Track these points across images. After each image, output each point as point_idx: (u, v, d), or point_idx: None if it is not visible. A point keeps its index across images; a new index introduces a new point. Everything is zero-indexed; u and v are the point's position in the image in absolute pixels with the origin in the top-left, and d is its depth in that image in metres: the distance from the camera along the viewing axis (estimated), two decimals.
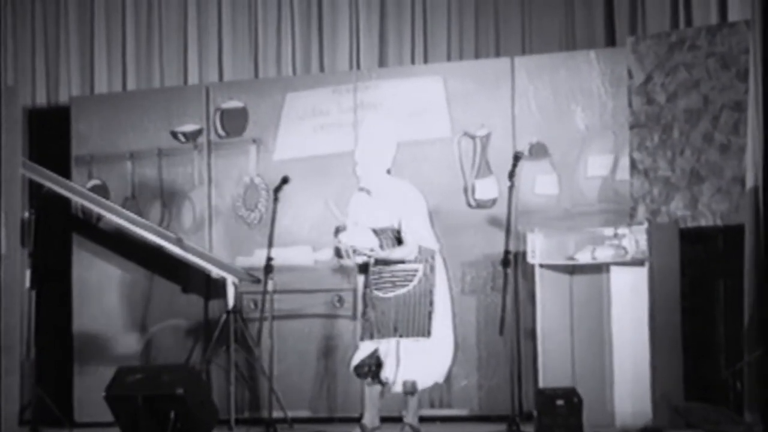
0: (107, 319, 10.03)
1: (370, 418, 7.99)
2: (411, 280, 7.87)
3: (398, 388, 7.88)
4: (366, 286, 8.03)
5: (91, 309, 10.06)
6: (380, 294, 7.91)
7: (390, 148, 8.05)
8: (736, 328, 8.08)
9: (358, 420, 9.34)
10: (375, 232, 7.93)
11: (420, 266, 7.89)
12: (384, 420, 8.10)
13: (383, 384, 7.90)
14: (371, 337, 7.88)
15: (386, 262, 7.88)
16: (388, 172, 8.05)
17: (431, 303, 7.85)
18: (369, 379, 7.93)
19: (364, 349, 7.93)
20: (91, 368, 9.89)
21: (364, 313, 7.98)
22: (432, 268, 7.89)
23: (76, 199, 9.96)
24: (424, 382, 7.91)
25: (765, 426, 7.45)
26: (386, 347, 7.84)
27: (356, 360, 7.97)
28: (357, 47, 10.31)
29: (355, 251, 7.88)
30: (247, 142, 9.91)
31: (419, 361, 7.83)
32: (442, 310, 7.89)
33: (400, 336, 7.78)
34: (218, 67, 10.61)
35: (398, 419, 8.06)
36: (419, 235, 7.86)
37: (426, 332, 7.80)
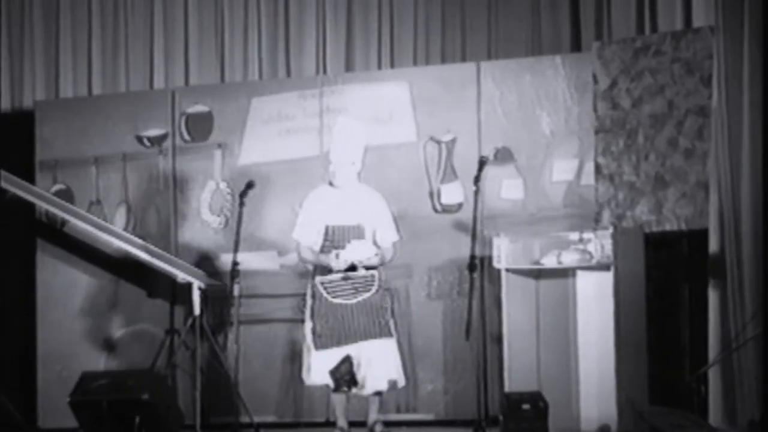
0: (72, 324, 9.98)
1: (345, 421, 8.16)
2: (372, 285, 8.08)
3: (380, 386, 8.00)
4: (313, 296, 8.12)
5: (56, 314, 10.01)
6: (342, 301, 8.03)
7: (362, 148, 8.29)
8: (701, 332, 8.11)
9: (324, 424, 9.34)
10: (344, 229, 8.09)
11: (376, 272, 8.12)
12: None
13: (391, 389, 8.08)
14: (337, 344, 7.94)
15: (347, 271, 8.04)
16: (359, 174, 8.23)
17: (391, 305, 8.12)
18: (348, 389, 8.05)
19: (327, 358, 8.00)
20: (55, 373, 9.84)
21: (320, 324, 8.04)
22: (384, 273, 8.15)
23: (40, 204, 9.90)
24: (401, 380, 8.11)
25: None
26: (356, 352, 7.94)
27: (321, 372, 8.01)
28: (323, 52, 10.30)
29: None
30: (212, 147, 9.89)
31: (392, 361, 8.02)
32: (393, 312, 8.19)
33: (369, 338, 7.95)
34: (184, 72, 10.58)
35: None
36: (391, 234, 8.21)
37: (388, 332, 8.04)
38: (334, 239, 8.16)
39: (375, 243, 8.17)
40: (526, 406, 7.84)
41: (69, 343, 9.95)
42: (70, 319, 9.99)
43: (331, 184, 8.29)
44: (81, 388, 8.20)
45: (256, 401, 9.37)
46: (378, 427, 8.12)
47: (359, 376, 8.00)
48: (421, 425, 9.11)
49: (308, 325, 8.13)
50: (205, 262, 9.77)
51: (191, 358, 9.38)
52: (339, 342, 7.97)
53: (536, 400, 7.88)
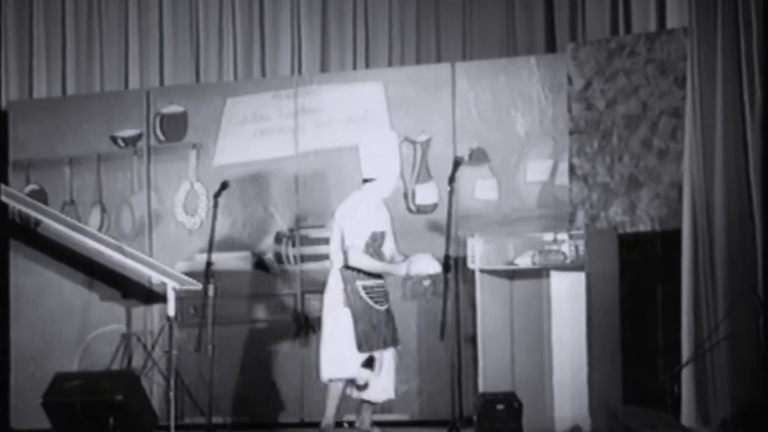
0: (45, 325, 9.94)
1: (336, 416, 8.19)
2: (388, 294, 8.21)
3: (390, 395, 8.10)
4: (358, 298, 8.07)
5: (29, 315, 9.98)
6: (378, 307, 8.09)
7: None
8: (674, 332, 8.13)
9: (298, 425, 9.34)
10: (383, 234, 8.16)
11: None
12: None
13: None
14: (371, 348, 8.02)
15: (381, 277, 8.14)
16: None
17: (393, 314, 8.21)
18: (360, 387, 8.10)
19: (357, 359, 8.01)
20: (28, 374, 9.80)
21: (369, 326, 8.04)
22: None
23: (13, 204, 9.87)
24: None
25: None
26: (380, 357, 8.05)
27: (353, 368, 8.02)
28: (298, 52, 10.30)
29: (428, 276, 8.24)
30: (187, 147, 9.87)
31: (393, 371, 8.15)
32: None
33: (387, 345, 8.07)
34: (159, 72, 10.56)
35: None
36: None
37: (398, 341, 8.19)
38: (374, 245, 8.14)
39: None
40: (500, 407, 7.85)
41: (42, 344, 9.91)
42: (44, 319, 9.95)
43: (382, 196, 8.18)
44: (54, 389, 8.18)
45: (230, 402, 9.37)
46: (376, 430, 8.21)
47: (372, 381, 8.08)
48: (395, 425, 9.10)
49: (346, 324, 8.06)
50: (179, 262, 9.74)
51: (165, 359, 9.36)
52: (373, 346, 8.03)
53: (510, 400, 7.89)
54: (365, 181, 8.13)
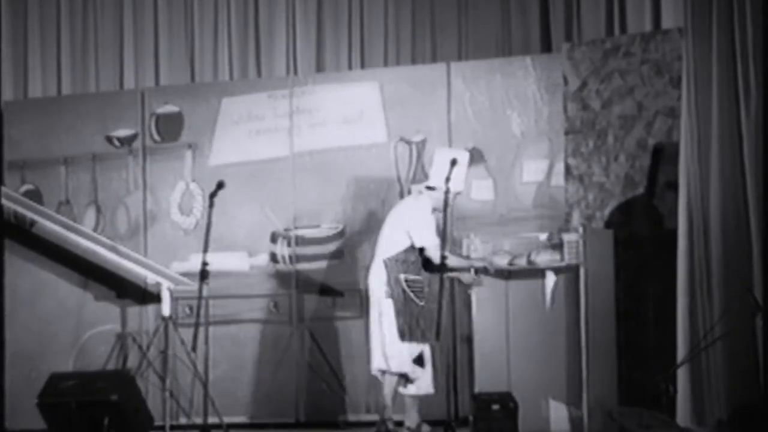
0: (40, 325, 9.93)
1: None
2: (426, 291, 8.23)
3: (419, 391, 8.15)
4: (402, 291, 8.18)
5: (24, 315, 9.97)
6: (418, 301, 8.17)
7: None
8: (670, 332, 8.13)
9: (293, 425, 9.34)
10: None
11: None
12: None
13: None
14: (416, 340, 8.11)
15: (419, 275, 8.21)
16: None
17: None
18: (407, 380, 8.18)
19: (409, 350, 8.10)
20: (23, 374, 9.79)
21: (400, 318, 8.12)
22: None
23: (8, 205, 9.86)
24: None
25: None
26: (428, 353, 8.15)
27: (407, 363, 8.09)
28: (294, 52, 10.30)
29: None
30: (182, 147, 9.87)
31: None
32: None
33: (427, 342, 8.14)
34: (154, 72, 10.56)
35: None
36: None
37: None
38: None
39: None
40: (496, 407, 7.85)
41: (37, 344, 9.90)
42: (39, 320, 9.94)
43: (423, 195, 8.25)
44: (49, 389, 8.16)
45: (226, 402, 9.36)
46: (425, 428, 8.23)
47: (427, 378, 8.16)
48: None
49: (392, 316, 8.15)
50: (174, 262, 9.74)
51: (161, 359, 9.35)
52: (414, 338, 8.09)
53: (506, 400, 7.89)
54: (429, 188, 8.20)
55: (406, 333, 8.07)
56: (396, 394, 8.17)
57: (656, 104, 8.72)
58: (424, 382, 8.17)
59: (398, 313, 8.11)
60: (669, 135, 8.60)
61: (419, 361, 8.12)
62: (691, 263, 7.98)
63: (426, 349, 8.15)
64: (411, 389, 8.18)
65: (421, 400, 8.23)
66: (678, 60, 8.45)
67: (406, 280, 8.15)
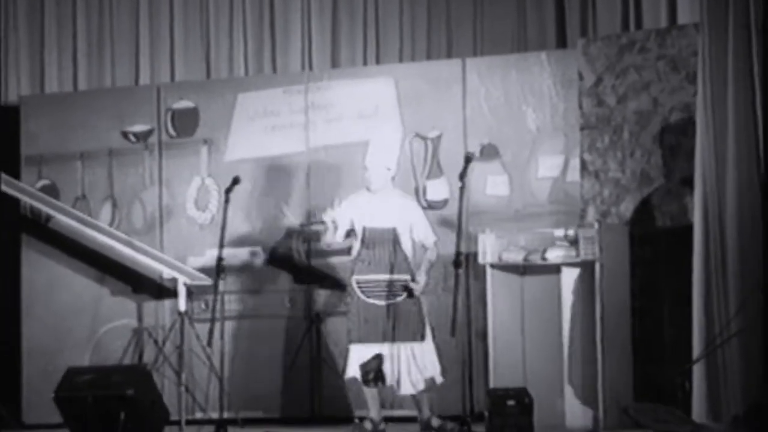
0: (57, 320, 9.96)
1: (376, 413, 8.25)
2: (403, 291, 8.17)
3: (408, 390, 8.13)
4: (350, 294, 8.26)
5: (41, 309, 10.00)
6: (377, 302, 8.15)
7: (395, 154, 8.51)
8: (685, 328, 8.12)
9: (308, 420, 9.36)
10: (375, 230, 8.21)
11: (407, 277, 8.18)
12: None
13: (384, 386, 8.17)
14: (369, 341, 8.12)
15: (379, 275, 8.17)
16: (393, 179, 8.37)
17: (421, 310, 8.19)
18: (375, 384, 8.19)
19: (359, 353, 8.15)
20: (40, 369, 9.82)
21: (356, 319, 8.18)
22: (417, 283, 8.22)
23: (25, 199, 9.89)
24: (438, 378, 8.21)
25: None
26: (389, 352, 8.11)
27: (355, 366, 8.15)
28: (309, 48, 10.30)
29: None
30: (198, 143, 9.89)
31: (429, 361, 8.16)
32: (426, 316, 8.26)
33: (403, 340, 8.10)
34: (170, 67, 10.58)
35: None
36: (431, 236, 8.34)
37: (420, 337, 8.15)
38: (369, 241, 8.20)
39: (415, 244, 8.30)
40: (511, 402, 7.85)
41: (54, 339, 9.93)
42: (55, 314, 9.97)
43: (367, 189, 8.33)
44: (66, 383, 8.18)
45: (241, 397, 9.38)
46: (434, 422, 8.22)
47: (390, 376, 8.12)
48: (406, 421, 9.11)
49: (348, 322, 8.26)
50: (190, 258, 9.76)
51: (176, 354, 9.38)
52: (371, 339, 8.12)
53: (521, 396, 7.89)
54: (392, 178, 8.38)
55: (354, 336, 8.19)
56: (375, 397, 8.22)
57: (672, 100, 8.71)
58: (405, 383, 8.17)
59: (348, 314, 8.28)
60: (684, 131, 8.59)
61: (375, 361, 8.11)
62: (706, 259, 7.97)
63: (400, 348, 8.11)
64: (401, 389, 8.20)
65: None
66: (694, 56, 8.44)
67: (357, 282, 8.23)
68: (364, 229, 8.25)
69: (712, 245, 7.98)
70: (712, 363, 7.88)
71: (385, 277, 8.16)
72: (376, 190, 8.27)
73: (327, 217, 8.30)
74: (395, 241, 8.21)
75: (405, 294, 8.16)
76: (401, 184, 9.30)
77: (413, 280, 8.17)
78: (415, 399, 8.22)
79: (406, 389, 8.15)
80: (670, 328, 8.50)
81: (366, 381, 8.19)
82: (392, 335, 8.10)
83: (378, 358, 8.12)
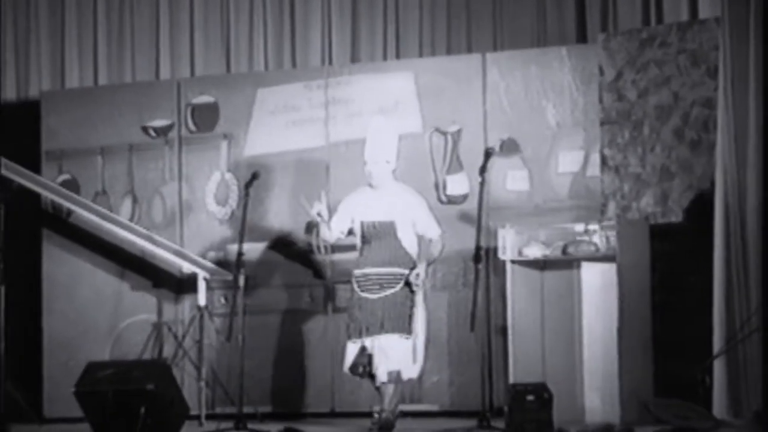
0: (77, 314, 9.99)
1: (391, 412, 8.17)
2: (398, 283, 8.12)
3: (383, 378, 8.07)
4: (352, 289, 8.28)
5: (61, 304, 10.03)
6: (368, 296, 8.15)
7: (395, 147, 8.35)
8: (706, 323, 8.10)
9: (328, 414, 9.37)
10: (373, 225, 8.18)
11: (406, 271, 8.13)
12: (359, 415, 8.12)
13: (391, 381, 8.12)
14: (359, 335, 8.14)
15: (374, 268, 8.15)
16: (394, 172, 8.32)
17: (412, 305, 8.13)
18: (365, 378, 8.21)
19: (352, 349, 8.18)
20: (60, 363, 9.86)
21: (350, 315, 8.25)
22: (417, 275, 8.14)
23: (46, 194, 9.92)
24: (409, 372, 8.13)
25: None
26: (371, 344, 8.09)
27: (348, 362, 8.20)
28: (329, 42, 10.31)
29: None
30: (218, 138, 9.90)
31: (402, 355, 8.07)
32: (419, 311, 8.16)
33: (386, 332, 8.05)
34: (190, 62, 10.59)
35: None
36: (435, 228, 8.25)
37: (407, 331, 8.08)
38: (367, 236, 8.21)
39: (419, 237, 8.24)
40: (530, 397, 7.83)
41: (74, 333, 9.97)
42: (76, 309, 10.00)
43: (369, 185, 8.30)
44: (86, 378, 8.20)
45: (261, 391, 9.39)
46: (383, 414, 8.14)
47: (373, 368, 8.11)
48: (425, 416, 9.12)
49: (347, 317, 8.33)
50: (210, 252, 9.77)
51: (196, 349, 9.39)
52: (361, 333, 8.14)
53: (541, 391, 7.87)
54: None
55: (350, 331, 8.24)
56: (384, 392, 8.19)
57: (692, 95, 8.68)
58: (378, 373, 8.14)
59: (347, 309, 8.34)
60: (705, 126, 8.56)
61: (362, 356, 8.12)
62: (727, 254, 7.95)
63: (381, 340, 8.09)
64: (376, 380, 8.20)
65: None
66: (715, 50, 8.41)
67: (355, 276, 8.27)
68: (361, 224, 8.25)
69: (732, 240, 7.96)
70: (732, 359, 7.86)
71: (381, 270, 8.16)
72: (378, 185, 8.24)
73: (313, 210, 8.29)
74: (394, 235, 8.17)
75: (401, 286, 8.12)
76: (422, 179, 9.32)
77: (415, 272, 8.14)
78: (379, 391, 8.18)
79: (378, 379, 8.12)
80: (690, 324, 8.48)
81: (355, 375, 8.22)
82: (377, 327, 8.08)
83: (363, 353, 8.14)
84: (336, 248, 9.53)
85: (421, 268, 8.14)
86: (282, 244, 9.68)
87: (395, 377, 8.07)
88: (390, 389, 8.15)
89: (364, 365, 8.13)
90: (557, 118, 9.20)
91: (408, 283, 8.14)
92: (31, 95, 10.73)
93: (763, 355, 7.77)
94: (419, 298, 8.19)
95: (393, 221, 8.17)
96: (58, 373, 9.80)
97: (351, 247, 9.30)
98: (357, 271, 8.26)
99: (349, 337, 8.21)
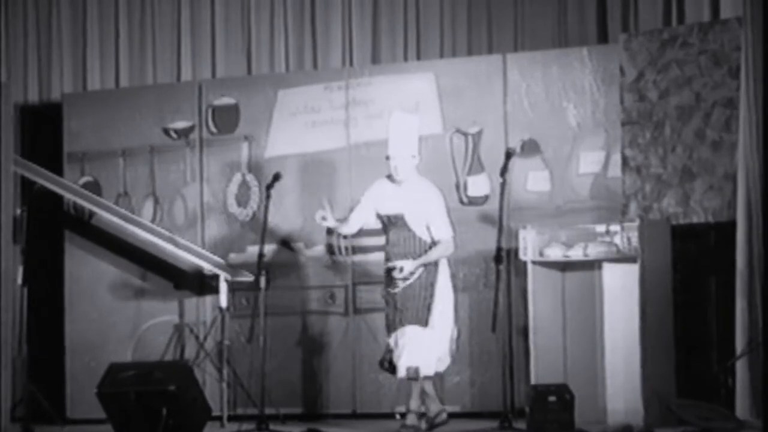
0: (99, 316, 10.02)
1: (414, 404, 8.14)
2: (413, 274, 8.06)
3: (401, 373, 8.04)
4: (384, 286, 8.24)
5: (84, 305, 10.06)
6: (392, 290, 8.12)
7: (417, 139, 8.27)
8: (728, 324, 8.08)
9: (349, 416, 9.37)
10: (389, 218, 8.16)
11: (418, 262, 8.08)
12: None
13: (410, 378, 8.08)
14: (388, 331, 8.14)
15: (394, 262, 8.09)
16: (417, 167, 8.24)
17: (431, 296, 8.05)
18: (391, 372, 8.15)
19: (387, 345, 8.18)
20: (83, 364, 9.89)
21: (384, 311, 8.22)
22: (435, 264, 8.08)
23: (68, 196, 9.95)
24: (425, 369, 8.03)
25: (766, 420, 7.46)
26: (394, 339, 8.06)
27: (381, 357, 8.22)
28: (350, 44, 10.31)
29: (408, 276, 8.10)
30: (239, 139, 9.91)
31: (420, 349, 8.00)
32: (441, 303, 8.07)
33: (403, 325, 8.01)
34: (211, 64, 10.60)
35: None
36: (445, 231, 8.13)
37: (424, 322, 8.01)
38: (387, 229, 8.22)
39: (432, 238, 8.13)
40: (552, 398, 7.84)
41: (97, 335, 9.99)
42: (98, 310, 10.03)
43: (389, 177, 8.25)
44: (109, 379, 8.24)
45: (283, 392, 9.40)
46: (409, 419, 8.13)
47: (394, 362, 8.09)
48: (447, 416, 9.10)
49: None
50: (231, 254, 9.78)
51: (218, 350, 9.41)
52: (389, 329, 8.14)
53: (562, 392, 7.87)
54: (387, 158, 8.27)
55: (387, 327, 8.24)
56: (416, 390, 8.15)
57: (714, 95, 8.66)
58: (399, 367, 8.11)
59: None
60: (727, 126, 8.54)
61: (387, 352, 8.12)
62: (750, 255, 7.93)
63: (403, 332, 8.05)
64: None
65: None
66: (737, 50, 8.39)
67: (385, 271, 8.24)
68: (377, 216, 8.25)
69: (755, 240, 7.94)
70: (755, 359, 7.84)
71: (395, 264, 8.12)
72: (402, 179, 8.18)
73: (318, 215, 8.26)
74: (407, 227, 8.11)
75: (416, 277, 8.05)
76: (443, 180, 9.31)
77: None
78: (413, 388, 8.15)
79: (398, 374, 8.08)
80: (713, 324, 8.46)
81: (382, 370, 8.22)
82: (399, 321, 8.05)
83: (387, 348, 8.14)
84: (357, 250, 9.54)
85: (408, 263, 8.03)
86: (303, 246, 9.68)
87: (413, 373, 8.01)
88: (418, 387, 8.08)
89: (389, 360, 8.12)
90: (578, 119, 9.19)
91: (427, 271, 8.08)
92: (53, 98, 10.76)
93: None
94: (442, 291, 8.09)
95: (403, 213, 8.13)
96: (81, 374, 9.84)
97: (372, 249, 9.34)
98: (384, 267, 8.23)
99: (390, 332, 8.17)
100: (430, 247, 8.10)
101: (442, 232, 8.14)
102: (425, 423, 8.12)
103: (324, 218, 8.26)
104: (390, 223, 8.18)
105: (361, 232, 9.22)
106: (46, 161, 9.92)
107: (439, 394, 8.43)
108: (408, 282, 8.06)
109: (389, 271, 8.13)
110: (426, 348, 8.02)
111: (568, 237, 8.56)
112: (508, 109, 9.33)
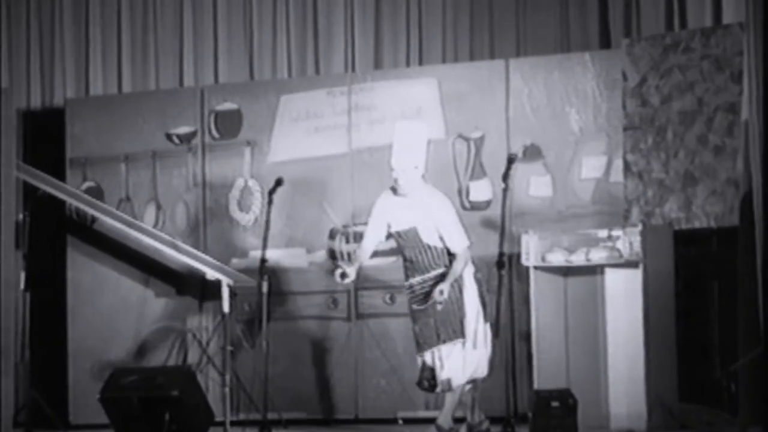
0: (102, 321, 10.03)
1: (442, 418, 8.08)
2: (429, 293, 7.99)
3: (439, 388, 8.04)
4: (409, 303, 8.15)
5: (86, 311, 10.06)
6: (418, 307, 8.05)
7: (424, 150, 8.11)
8: (731, 329, 8.09)
9: (352, 421, 9.37)
10: (400, 234, 8.03)
11: (444, 269, 7.99)
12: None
13: (444, 390, 8.03)
14: (419, 350, 8.04)
15: (415, 277, 8.03)
16: (423, 177, 8.10)
17: (462, 306, 7.97)
18: (431, 391, 8.11)
19: (419, 363, 8.09)
20: (86, 370, 9.89)
21: (412, 328, 8.13)
22: (441, 292, 7.96)
23: (70, 201, 9.96)
24: (458, 379, 8.00)
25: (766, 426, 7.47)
26: (431, 357, 7.99)
27: (419, 377, 8.10)
28: (352, 49, 10.32)
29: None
30: (241, 144, 9.92)
31: (456, 361, 7.96)
32: (471, 309, 8.01)
33: (443, 342, 7.93)
34: (213, 69, 10.61)
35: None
36: (459, 241, 8.00)
37: (461, 334, 7.95)
38: (401, 245, 8.09)
39: (446, 247, 8.05)
40: (555, 404, 7.84)
41: (99, 340, 10.00)
42: (101, 315, 10.04)
43: (393, 190, 8.08)
44: (111, 384, 8.25)
45: (285, 398, 9.40)
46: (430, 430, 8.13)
47: (436, 380, 8.02)
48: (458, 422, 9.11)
49: None
50: (233, 259, 9.79)
51: (221, 355, 9.41)
52: (421, 348, 8.04)
53: (565, 397, 7.88)
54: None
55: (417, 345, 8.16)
56: (449, 402, 8.11)
57: (716, 100, 8.66)
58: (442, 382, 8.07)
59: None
60: (729, 131, 8.54)
61: (426, 371, 8.04)
62: (752, 260, 7.93)
63: (441, 349, 8.01)
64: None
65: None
66: (739, 55, 8.40)
67: (407, 287, 8.15)
68: (393, 236, 8.13)
69: (758, 246, 7.93)
70: (758, 365, 7.83)
71: (422, 277, 8.03)
72: (406, 192, 8.00)
73: (336, 274, 8.08)
74: (420, 240, 8.01)
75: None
76: (445, 185, 9.31)
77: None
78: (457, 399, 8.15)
79: (440, 387, 8.05)
80: (715, 330, 8.46)
81: (423, 390, 8.16)
82: (434, 338, 7.98)
83: (426, 368, 8.06)
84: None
85: (445, 285, 7.90)
86: (305, 251, 9.69)
87: (446, 385, 7.98)
88: (449, 398, 8.07)
89: (429, 379, 8.04)
90: (580, 124, 9.19)
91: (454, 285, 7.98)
92: (55, 103, 10.77)
93: None
94: (471, 300, 8.02)
95: (415, 227, 8.06)
96: (83, 379, 9.84)
97: (375, 254, 9.32)
98: (406, 283, 8.13)
99: (420, 350, 8.08)
100: (448, 254, 8.03)
101: (457, 243, 7.99)
102: (465, 430, 8.11)
103: (344, 275, 8.04)
104: (402, 239, 8.07)
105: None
106: (48, 166, 9.93)
107: (442, 399, 8.43)
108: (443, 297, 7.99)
109: (412, 288, 8.07)
110: (463, 358, 7.98)
111: (571, 242, 8.56)
112: (511, 114, 9.34)
